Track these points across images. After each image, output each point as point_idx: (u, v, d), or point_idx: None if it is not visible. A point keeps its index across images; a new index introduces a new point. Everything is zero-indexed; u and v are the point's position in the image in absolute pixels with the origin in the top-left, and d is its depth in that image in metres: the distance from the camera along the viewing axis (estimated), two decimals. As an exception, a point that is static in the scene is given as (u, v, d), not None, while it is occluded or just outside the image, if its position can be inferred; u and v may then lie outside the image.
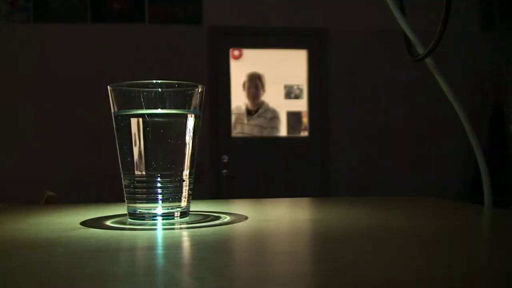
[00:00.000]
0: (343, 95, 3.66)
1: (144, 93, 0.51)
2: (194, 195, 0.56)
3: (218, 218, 0.54)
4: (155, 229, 0.48)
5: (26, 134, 3.34)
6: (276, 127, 3.69)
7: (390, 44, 3.21)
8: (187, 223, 0.51)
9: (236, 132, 3.65)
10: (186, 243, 0.42)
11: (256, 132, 3.64)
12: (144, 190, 0.51)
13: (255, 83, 3.59)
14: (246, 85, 3.60)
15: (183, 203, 0.53)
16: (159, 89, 0.51)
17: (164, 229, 0.48)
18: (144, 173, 0.51)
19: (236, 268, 0.32)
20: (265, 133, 3.66)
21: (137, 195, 0.51)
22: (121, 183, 0.53)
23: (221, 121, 3.56)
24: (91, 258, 0.35)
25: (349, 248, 0.38)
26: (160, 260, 0.35)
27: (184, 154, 0.53)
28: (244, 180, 3.54)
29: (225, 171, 3.55)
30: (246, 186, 3.50)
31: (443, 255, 0.35)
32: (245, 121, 3.63)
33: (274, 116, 3.67)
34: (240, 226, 0.49)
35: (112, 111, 0.53)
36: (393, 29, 1.15)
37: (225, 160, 3.56)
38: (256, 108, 3.63)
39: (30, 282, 0.29)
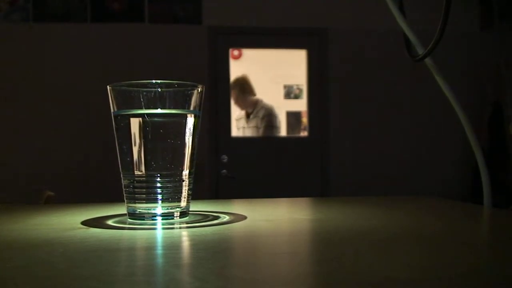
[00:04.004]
0: (343, 95, 3.66)
1: (144, 93, 0.51)
2: (194, 195, 0.56)
3: (217, 218, 0.54)
4: (154, 229, 0.48)
5: (25, 134, 3.34)
6: (271, 125, 3.64)
7: (390, 44, 3.21)
8: (187, 223, 0.51)
9: (240, 136, 3.64)
10: (185, 243, 0.42)
11: (254, 134, 3.63)
12: (144, 190, 0.51)
13: (236, 90, 3.57)
14: (233, 96, 3.58)
15: (183, 203, 0.53)
16: (159, 89, 0.51)
17: (163, 229, 0.48)
18: (143, 173, 0.51)
19: (235, 268, 0.32)
20: (261, 133, 3.63)
21: (136, 195, 0.51)
22: (121, 183, 0.53)
23: (220, 121, 3.56)
24: (91, 258, 0.35)
25: (349, 248, 0.38)
26: (160, 260, 0.35)
27: (184, 154, 0.53)
28: (243, 180, 3.54)
29: (224, 171, 3.55)
30: (245, 186, 3.50)
31: (443, 255, 0.35)
32: (246, 124, 3.62)
33: (267, 114, 3.62)
34: (239, 226, 0.49)
35: (112, 111, 0.53)
36: (393, 29, 1.15)
37: (225, 160, 3.56)
38: (251, 110, 3.61)
39: (30, 282, 0.28)
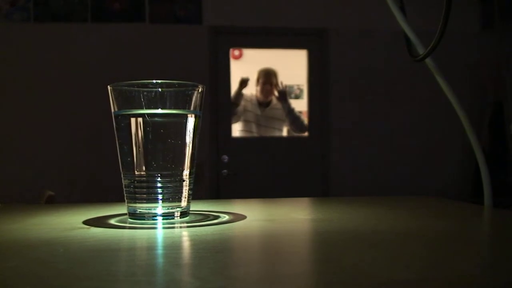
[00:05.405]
0: (343, 95, 3.66)
1: (144, 93, 0.51)
2: (194, 195, 0.56)
3: (217, 218, 0.54)
4: (155, 229, 0.48)
5: (25, 134, 3.34)
6: (304, 129, 3.67)
7: (390, 44, 3.21)
8: (187, 223, 0.51)
9: (244, 120, 3.59)
10: (186, 243, 0.42)
11: (269, 124, 3.60)
12: (144, 190, 0.51)
13: (270, 80, 3.55)
14: (260, 80, 3.55)
15: (183, 203, 0.53)
16: (159, 89, 0.51)
17: (164, 228, 0.48)
18: (144, 173, 0.51)
19: (236, 268, 0.32)
20: (279, 125, 3.62)
21: (137, 195, 0.52)
22: (121, 183, 0.53)
23: (221, 121, 3.56)
24: (91, 258, 0.35)
25: (350, 248, 0.38)
26: (160, 260, 0.35)
27: (184, 154, 0.53)
28: (244, 180, 3.54)
29: (225, 171, 3.55)
30: (246, 186, 3.50)
31: (443, 255, 0.35)
32: (259, 112, 3.59)
33: (298, 117, 3.65)
34: (239, 226, 0.49)
35: (112, 111, 0.53)
36: (394, 29, 1.15)
37: (225, 160, 3.56)
38: (268, 102, 3.59)
39: (30, 282, 0.28)
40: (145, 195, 0.51)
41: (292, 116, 3.58)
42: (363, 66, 3.66)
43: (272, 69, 3.57)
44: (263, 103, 3.56)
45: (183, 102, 0.53)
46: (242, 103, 3.57)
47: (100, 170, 3.14)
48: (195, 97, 0.53)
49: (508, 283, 0.27)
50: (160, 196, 0.51)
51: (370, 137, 3.66)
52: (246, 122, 3.61)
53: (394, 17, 0.65)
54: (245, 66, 3.67)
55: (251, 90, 3.59)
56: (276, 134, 3.66)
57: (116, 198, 0.65)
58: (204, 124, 3.28)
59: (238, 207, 0.70)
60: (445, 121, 3.39)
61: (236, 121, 3.62)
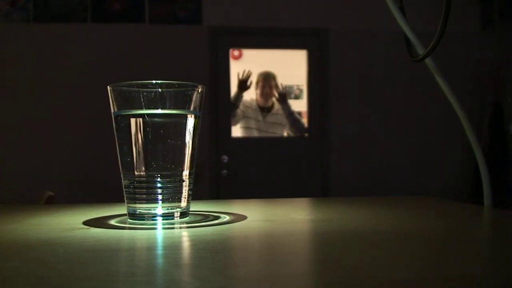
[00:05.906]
0: (343, 95, 3.66)
1: (144, 93, 0.51)
2: (194, 195, 0.56)
3: (217, 218, 0.54)
4: (155, 229, 0.48)
5: (25, 134, 3.34)
6: (304, 130, 3.67)
7: (390, 44, 3.21)
8: (187, 223, 0.51)
9: (245, 126, 3.60)
10: (186, 243, 0.42)
11: (272, 130, 3.61)
12: (144, 190, 0.51)
13: (269, 83, 3.55)
14: (259, 84, 3.55)
15: (183, 203, 0.53)
16: (159, 89, 0.51)
17: (164, 229, 0.48)
18: (144, 173, 0.51)
19: (236, 268, 0.32)
20: (281, 131, 3.62)
21: (137, 195, 0.51)
22: (121, 183, 0.53)
23: (221, 121, 3.56)
24: (91, 258, 0.35)
25: (350, 248, 0.38)
26: (160, 260, 0.35)
27: (184, 154, 0.53)
28: (244, 180, 3.54)
29: (225, 171, 3.55)
30: (246, 187, 3.50)
31: (443, 255, 0.35)
32: (260, 118, 3.59)
33: (298, 120, 3.65)
34: (239, 226, 0.49)
35: (112, 111, 0.53)
36: (394, 30, 1.15)
37: (225, 161, 3.56)
38: (270, 106, 3.59)
39: (29, 282, 0.28)
40: (144, 196, 0.51)
41: (292, 119, 3.59)
42: (363, 66, 3.66)
43: (271, 72, 3.57)
44: (264, 108, 3.56)
45: (182, 102, 0.53)
46: (242, 109, 3.57)
47: (100, 170, 3.13)
48: (195, 98, 0.53)
49: (508, 283, 0.27)
50: (160, 197, 0.51)
51: (370, 137, 3.66)
52: (247, 129, 3.60)
53: (394, 17, 0.65)
54: (245, 67, 3.66)
55: (251, 95, 3.59)
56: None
57: (116, 198, 0.65)
58: (204, 124, 3.28)
59: (238, 207, 0.70)
60: (445, 121, 3.39)
61: (236, 123, 3.61)
